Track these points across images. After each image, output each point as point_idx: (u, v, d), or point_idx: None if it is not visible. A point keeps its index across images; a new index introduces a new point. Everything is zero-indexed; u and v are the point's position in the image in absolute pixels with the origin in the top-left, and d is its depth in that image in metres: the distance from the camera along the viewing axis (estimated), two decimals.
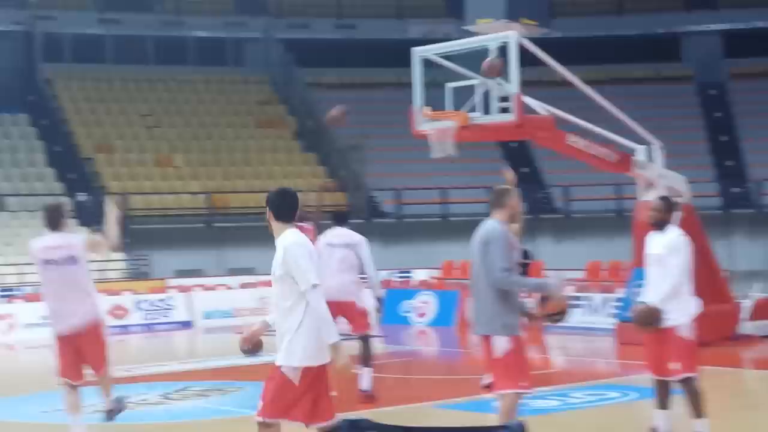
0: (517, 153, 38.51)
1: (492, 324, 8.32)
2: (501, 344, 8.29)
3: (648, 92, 40.04)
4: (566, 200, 36.36)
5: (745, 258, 34.04)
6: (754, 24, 40.77)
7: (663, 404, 9.32)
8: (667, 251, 9.09)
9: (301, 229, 16.38)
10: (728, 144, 38.93)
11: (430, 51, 17.82)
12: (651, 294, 9.18)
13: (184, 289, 25.49)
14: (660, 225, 9.25)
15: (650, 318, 9.07)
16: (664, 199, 9.61)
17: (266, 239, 7.72)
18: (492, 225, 8.46)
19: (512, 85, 16.48)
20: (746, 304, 18.28)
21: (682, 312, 9.02)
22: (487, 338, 8.39)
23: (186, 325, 24.02)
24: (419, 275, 26.98)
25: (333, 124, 15.14)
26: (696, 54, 42.60)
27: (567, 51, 40.22)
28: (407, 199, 35.81)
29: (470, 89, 16.97)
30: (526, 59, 17.26)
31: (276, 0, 43.52)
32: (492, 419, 8.16)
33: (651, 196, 18.07)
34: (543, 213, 36.21)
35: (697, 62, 42.33)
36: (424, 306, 23.07)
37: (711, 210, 35.57)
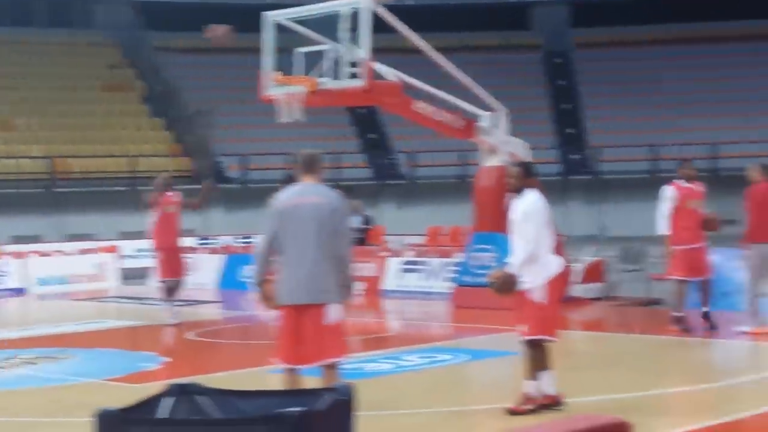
0: (366, 119, 38.76)
1: (328, 292, 8.24)
2: (336, 312, 8.27)
3: (496, 60, 40.62)
4: (412, 166, 36.71)
5: (581, 223, 34.89)
6: None
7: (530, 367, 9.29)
8: (523, 216, 9.16)
9: (168, 198, 16.29)
10: (571, 112, 39.85)
11: (282, 15, 17.77)
12: (510, 259, 9.30)
13: (19, 256, 24.90)
14: (518, 190, 9.29)
15: (505, 283, 9.18)
16: (521, 164, 9.68)
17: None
18: (335, 192, 8.45)
19: (362, 50, 16.56)
20: (578, 268, 18.82)
21: (536, 275, 9.10)
22: (311, 307, 8.24)
23: (19, 292, 23.51)
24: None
25: (217, 42, 14.94)
26: (544, 23, 43.38)
27: (419, 18, 40.56)
28: (253, 164, 35.64)
29: (323, 55, 17.01)
30: (379, 26, 17.36)
31: None
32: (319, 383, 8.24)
33: (493, 162, 18.49)
34: (388, 179, 36.57)
35: (545, 31, 43.11)
36: None
37: (551, 176, 36.43)
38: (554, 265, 9.28)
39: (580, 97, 40.19)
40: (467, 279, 18.49)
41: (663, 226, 14.50)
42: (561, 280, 9.51)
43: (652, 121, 37.10)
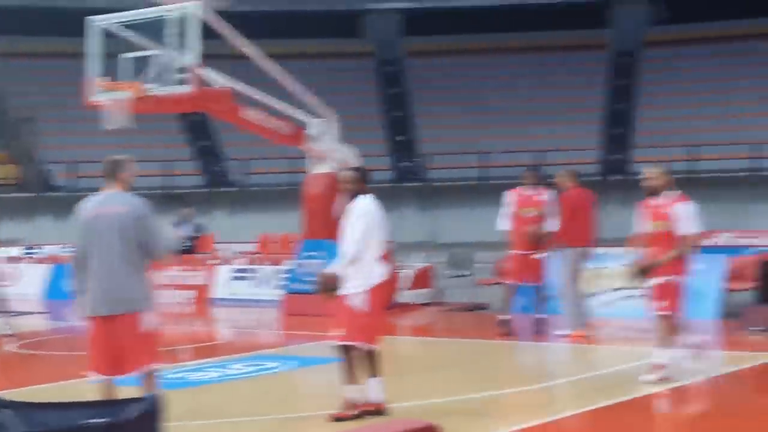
0: (198, 126, 38.38)
1: (137, 301, 8.07)
2: (150, 319, 8.12)
3: (329, 67, 40.74)
4: (244, 174, 36.50)
5: (413, 229, 35.27)
6: (431, 3, 42.20)
7: (352, 373, 9.25)
8: (355, 220, 9.16)
9: None
10: (402, 119, 40.23)
11: (107, 20, 17.38)
12: (336, 261, 9.27)
13: None
14: (353, 195, 9.27)
15: (328, 285, 9.14)
16: (357, 169, 9.65)
17: None
18: (139, 200, 8.21)
19: (189, 56, 16.34)
20: (407, 274, 18.97)
21: (358, 282, 9.06)
22: (121, 316, 8.04)
23: None
24: None
25: None
26: (376, 31, 43.66)
27: (252, 25, 40.31)
28: (81, 171, 34.85)
29: (151, 61, 16.72)
30: (210, 32, 17.14)
31: None
32: (131, 393, 8.05)
33: (322, 169, 18.47)
34: (220, 186, 36.30)
35: (377, 39, 43.38)
36: None
37: (383, 183, 36.73)
38: (378, 273, 9.24)
39: (411, 105, 40.60)
40: (297, 286, 18.45)
41: (502, 225, 14.76)
42: (384, 289, 9.45)
43: (482, 128, 37.75)
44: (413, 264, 19.80)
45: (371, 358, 9.26)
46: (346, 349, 9.25)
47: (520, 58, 41.35)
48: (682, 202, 11.12)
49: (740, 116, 35.50)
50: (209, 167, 37.41)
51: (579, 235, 14.39)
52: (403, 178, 37.70)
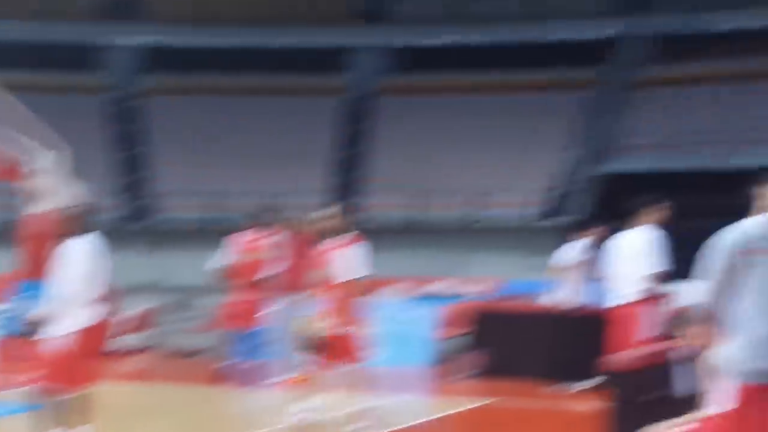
0: None
1: None
2: None
3: (59, 101, 39.44)
4: None
5: (141, 271, 34.42)
6: (170, 41, 41.54)
7: (55, 421, 8.88)
8: (67, 260, 8.79)
9: None
10: (133, 158, 39.39)
11: None
12: (42, 303, 8.87)
13: None
14: (68, 235, 8.90)
15: (35, 327, 8.81)
16: (74, 208, 9.27)
17: None
18: None
19: None
20: (127, 318, 18.53)
21: (63, 324, 8.76)
22: None
23: None
24: None
25: None
26: (109, 66, 42.58)
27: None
28: None
29: None
30: None
31: None
32: None
33: (45, 206, 17.69)
34: None
35: (114, 74, 42.27)
36: None
37: (111, 222, 35.82)
38: (90, 315, 8.99)
39: (142, 143, 39.82)
40: (16, 328, 17.61)
41: (216, 271, 14.62)
42: (96, 332, 9.17)
43: (214, 170, 37.42)
44: (134, 307, 19.34)
45: (79, 404, 8.95)
46: (48, 395, 8.92)
47: (255, 100, 41.28)
48: (350, 245, 10.85)
49: (461, 167, 36.59)
50: None
51: (297, 280, 14.42)
52: (134, 217, 36.91)
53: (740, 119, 35.70)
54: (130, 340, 18.42)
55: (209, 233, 15.99)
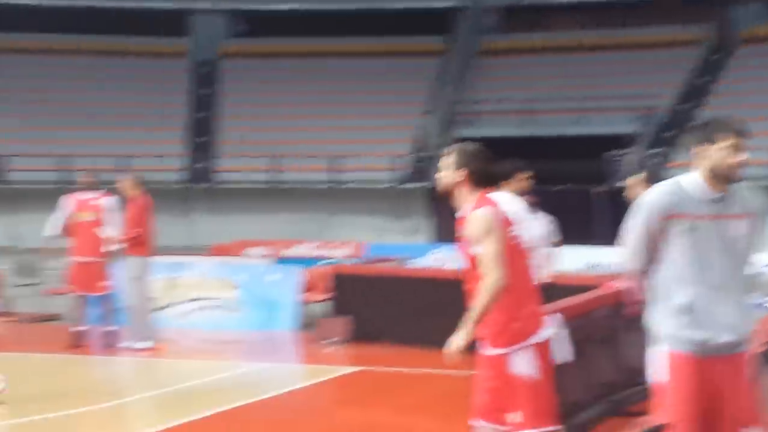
0: None
1: None
2: None
3: None
4: None
5: None
6: None
7: None
8: None
9: None
10: None
11: None
12: None
13: None
14: None
15: None
16: None
17: None
18: None
19: None
20: None
21: None
22: None
23: None
24: None
25: None
26: None
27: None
28: None
29: None
30: None
31: None
32: None
33: None
34: None
35: None
36: None
37: None
38: None
39: None
40: None
41: (50, 232, 14.11)
42: None
43: (60, 131, 36.42)
44: None
45: None
46: None
47: (102, 61, 40.25)
48: None
49: (319, 130, 36.43)
50: None
51: (143, 243, 13.96)
52: None
53: (581, 89, 36.42)
54: None
55: (58, 194, 15.38)
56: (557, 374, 6.19)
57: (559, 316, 6.90)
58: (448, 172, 6.06)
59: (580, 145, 33.73)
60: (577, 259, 20.89)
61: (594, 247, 22.68)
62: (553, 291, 10.03)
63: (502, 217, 5.94)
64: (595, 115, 35.64)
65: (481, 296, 5.75)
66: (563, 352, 6.55)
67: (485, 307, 5.75)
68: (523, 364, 5.87)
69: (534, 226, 9.83)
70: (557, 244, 10.94)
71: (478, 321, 5.75)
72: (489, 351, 5.92)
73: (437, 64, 39.89)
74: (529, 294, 6.01)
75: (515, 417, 5.86)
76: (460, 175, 6.00)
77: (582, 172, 32.74)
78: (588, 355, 8.75)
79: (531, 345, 5.91)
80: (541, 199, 10.01)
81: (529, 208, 9.61)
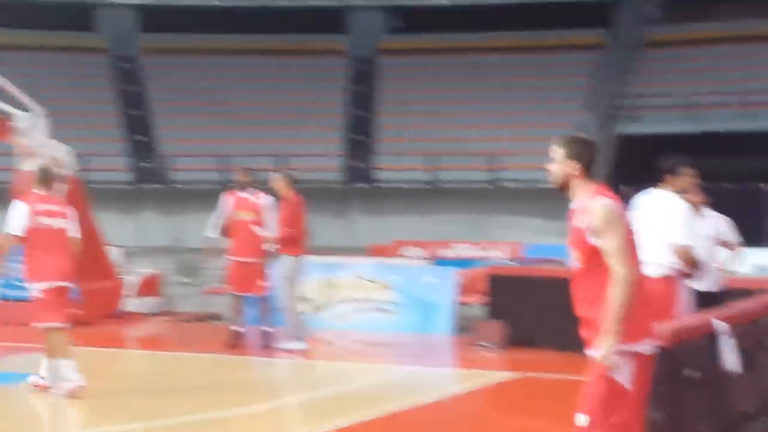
0: None
1: None
2: None
3: (61, 61, 38.98)
4: None
5: (156, 233, 34.20)
6: (166, 0, 41.05)
7: None
8: None
9: None
10: (140, 119, 38.89)
11: None
12: None
13: None
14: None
15: None
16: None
17: None
18: None
19: None
20: (132, 281, 17.98)
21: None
22: None
23: None
24: None
25: None
26: (110, 26, 42.05)
27: None
28: None
29: None
30: None
31: None
32: None
33: (30, 166, 17.17)
34: None
35: (112, 34, 41.79)
36: None
37: (122, 185, 35.39)
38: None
39: (149, 104, 39.30)
40: (9, 293, 17.04)
41: (212, 232, 14.17)
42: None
43: (222, 130, 36.95)
44: (140, 270, 18.74)
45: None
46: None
47: (260, 60, 40.76)
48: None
49: (477, 127, 36.10)
50: None
51: (296, 242, 13.91)
52: (144, 179, 36.43)
53: (747, 82, 35.18)
54: (137, 304, 17.83)
55: (219, 193, 15.60)
56: (725, 383, 5.85)
57: (725, 323, 6.52)
58: (559, 164, 5.79)
59: (747, 141, 32.61)
60: (745, 262, 20.08)
61: (763, 248, 21.79)
62: (721, 296, 9.57)
63: (622, 209, 5.67)
64: (763, 110, 34.38)
65: (616, 292, 5.48)
66: (731, 360, 6.18)
67: (625, 303, 5.47)
68: (619, 368, 5.54)
69: (702, 225, 9.41)
70: (733, 245, 10.44)
71: (622, 319, 5.47)
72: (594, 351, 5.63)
73: (597, 58, 39.10)
74: (640, 296, 5.67)
75: (581, 419, 5.58)
76: (572, 167, 5.74)
77: (750, 169, 31.63)
78: (757, 363, 8.30)
79: (634, 351, 5.60)
80: (709, 198, 9.54)
81: (695, 207, 9.21)
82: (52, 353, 10.26)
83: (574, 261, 5.79)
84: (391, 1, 42.25)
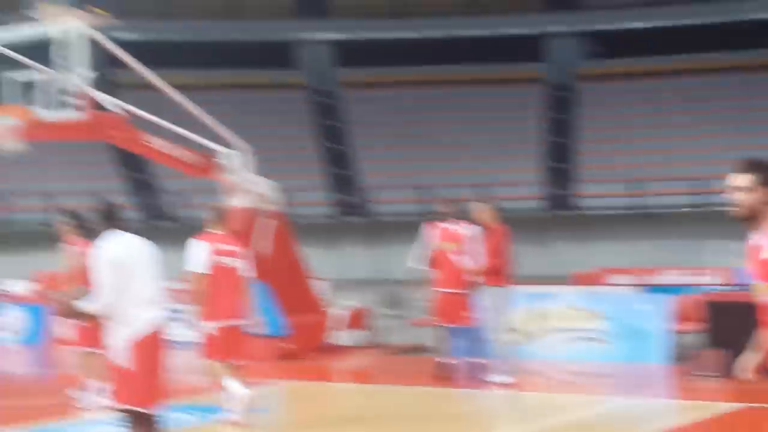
0: (130, 157, 37.18)
1: None
2: None
3: (261, 99, 39.89)
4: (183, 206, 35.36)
5: (359, 266, 34.42)
6: (364, 35, 41.55)
7: None
8: (97, 264, 7.78)
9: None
10: (341, 152, 39.37)
11: None
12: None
13: None
14: (96, 235, 7.95)
15: (66, 307, 8.06)
16: (102, 206, 8.29)
17: None
18: None
19: (79, 79, 15.11)
20: (338, 314, 18.01)
21: (116, 334, 7.71)
22: None
23: None
24: (19, 288, 24.73)
25: None
26: (308, 62, 42.86)
27: (182, 54, 39.61)
28: (7, 204, 33.65)
29: (39, 84, 15.37)
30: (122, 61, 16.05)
31: None
32: None
33: (239, 203, 17.48)
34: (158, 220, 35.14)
35: (311, 70, 42.56)
36: (12, 322, 21.25)
37: (324, 218, 35.83)
38: (142, 321, 7.73)
39: (347, 138, 39.77)
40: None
41: (415, 263, 14.05)
42: (150, 341, 7.77)
43: (422, 162, 37.03)
44: (348, 303, 18.76)
45: (143, 422, 7.80)
46: (128, 414, 7.83)
47: (458, 90, 40.74)
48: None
49: (681, 151, 35.12)
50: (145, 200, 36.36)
51: (502, 273, 13.61)
52: (344, 213, 36.81)
53: None
54: (347, 336, 17.84)
55: (420, 225, 15.53)
56: None
57: None
58: (748, 192, 5.36)
59: None
60: None
61: None
62: None
63: None
64: None
65: None
66: None
67: None
68: None
69: None
70: None
71: None
72: None
73: None
74: None
75: None
76: (764, 194, 5.41)
77: None
78: None
79: None
80: None
81: None
82: (229, 387, 10.43)
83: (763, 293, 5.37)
84: (588, 26, 41.68)
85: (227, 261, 10.68)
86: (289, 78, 42.05)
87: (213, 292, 10.51)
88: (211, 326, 10.52)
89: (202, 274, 10.56)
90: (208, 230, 10.89)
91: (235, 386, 10.48)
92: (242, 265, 10.84)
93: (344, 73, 41.76)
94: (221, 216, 11.05)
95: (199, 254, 10.62)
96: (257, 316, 11.34)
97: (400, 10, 42.32)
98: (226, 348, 10.55)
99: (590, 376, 14.62)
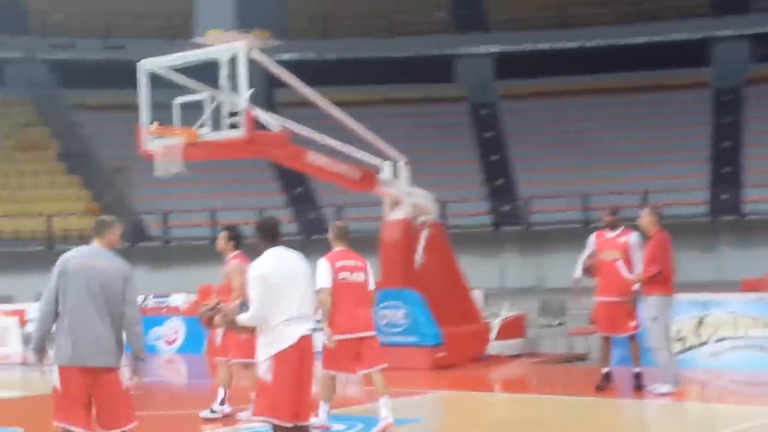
0: (290, 173, 37.76)
1: (113, 356, 8.15)
2: (125, 376, 8.25)
3: (422, 113, 40.08)
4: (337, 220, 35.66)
5: (516, 275, 34.23)
6: (523, 47, 41.40)
7: None
8: (250, 280, 8.16)
9: None
10: (499, 163, 39.22)
11: (157, 64, 16.33)
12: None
13: None
14: (256, 252, 8.30)
15: (211, 318, 8.52)
16: (262, 223, 8.56)
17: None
18: (122, 261, 8.40)
19: (241, 98, 15.39)
20: (496, 323, 17.85)
21: (262, 349, 8.04)
22: (99, 370, 8.08)
23: None
24: (179, 300, 25.39)
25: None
26: (468, 75, 42.90)
27: (341, 71, 40.09)
28: (174, 221, 34.54)
29: (203, 105, 15.77)
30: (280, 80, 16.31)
31: (39, 19, 41.64)
32: None
33: (398, 215, 17.53)
34: (315, 233, 35.54)
35: (469, 83, 42.63)
36: (173, 333, 21.87)
37: (482, 228, 35.71)
38: (287, 337, 7.96)
39: (507, 149, 39.61)
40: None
41: (579, 272, 13.80)
42: (293, 355, 7.98)
43: (582, 170, 36.62)
44: (501, 312, 18.57)
45: None
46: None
47: (618, 98, 40.20)
48: None
49: None
50: (304, 214, 36.83)
51: (664, 281, 13.21)
52: (503, 222, 36.64)
53: None
54: (500, 346, 17.65)
55: (582, 234, 15.25)
56: None
57: None
58: None
59: None
60: None
61: None
62: None
63: None
64: None
65: None
66: None
67: None
68: None
69: None
70: None
71: None
72: None
73: None
74: None
75: None
76: None
77: None
78: None
79: None
80: None
81: None
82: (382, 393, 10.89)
83: None
84: (755, 29, 40.52)
85: (348, 276, 11.09)
86: (449, 91, 42.19)
87: (336, 307, 10.96)
88: (333, 339, 10.94)
89: (327, 289, 10.98)
90: (332, 247, 11.34)
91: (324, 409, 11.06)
92: (365, 279, 11.24)
93: (503, 85, 41.68)
94: (342, 233, 11.45)
95: (323, 271, 11.05)
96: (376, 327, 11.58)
97: (559, 21, 42.01)
98: (342, 360, 11.03)
99: (757, 385, 14.08)
